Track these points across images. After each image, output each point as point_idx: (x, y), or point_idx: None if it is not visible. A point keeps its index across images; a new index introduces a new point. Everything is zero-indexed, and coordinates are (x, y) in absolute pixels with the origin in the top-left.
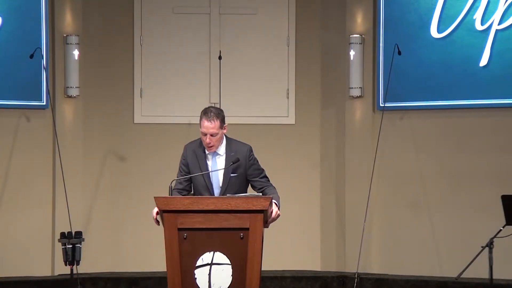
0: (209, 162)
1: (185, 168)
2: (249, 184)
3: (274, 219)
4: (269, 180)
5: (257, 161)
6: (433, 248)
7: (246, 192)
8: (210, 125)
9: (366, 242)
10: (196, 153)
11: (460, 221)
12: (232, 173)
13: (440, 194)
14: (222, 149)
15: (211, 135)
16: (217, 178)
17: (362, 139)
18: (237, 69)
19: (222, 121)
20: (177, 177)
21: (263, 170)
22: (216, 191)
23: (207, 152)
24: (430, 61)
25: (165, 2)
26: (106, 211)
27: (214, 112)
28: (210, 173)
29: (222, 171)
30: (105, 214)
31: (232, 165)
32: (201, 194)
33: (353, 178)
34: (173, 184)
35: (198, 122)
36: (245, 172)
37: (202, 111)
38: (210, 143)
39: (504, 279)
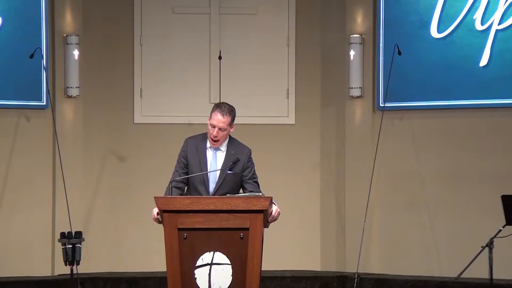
0: (209, 157)
1: (184, 160)
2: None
3: (275, 218)
4: (259, 187)
5: (254, 165)
6: (433, 248)
7: (238, 193)
8: (221, 119)
9: (366, 242)
10: (198, 147)
11: (460, 221)
12: (229, 170)
13: (440, 194)
14: (224, 146)
15: (220, 129)
16: (214, 172)
17: (362, 139)
18: (237, 69)
19: (233, 119)
20: (175, 168)
21: (256, 175)
22: (212, 186)
23: (208, 145)
24: (430, 61)
25: (165, 2)
26: (106, 211)
27: (228, 108)
28: (208, 167)
29: (220, 166)
30: (105, 214)
31: (232, 164)
32: (196, 188)
33: (353, 178)
34: (172, 185)
35: (199, 122)
36: (241, 172)
37: (216, 104)
38: (216, 136)
39: (504, 279)
